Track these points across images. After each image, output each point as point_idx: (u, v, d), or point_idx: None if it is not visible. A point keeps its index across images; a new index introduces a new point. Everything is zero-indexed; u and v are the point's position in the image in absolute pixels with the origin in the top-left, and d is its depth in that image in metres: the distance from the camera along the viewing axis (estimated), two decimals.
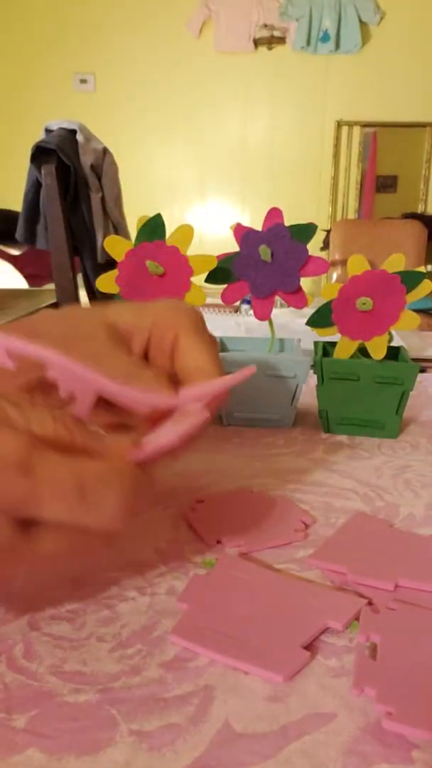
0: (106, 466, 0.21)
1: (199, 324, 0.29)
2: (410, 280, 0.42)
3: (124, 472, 0.21)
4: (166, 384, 0.26)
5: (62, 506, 0.19)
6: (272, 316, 0.46)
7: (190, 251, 0.43)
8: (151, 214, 0.44)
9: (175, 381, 0.28)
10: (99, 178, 1.67)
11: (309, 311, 0.47)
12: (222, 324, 0.85)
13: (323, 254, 3.24)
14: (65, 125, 1.58)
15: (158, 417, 0.25)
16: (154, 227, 0.43)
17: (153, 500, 0.23)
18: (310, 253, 0.44)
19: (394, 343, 0.47)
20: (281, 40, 3.34)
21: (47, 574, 0.22)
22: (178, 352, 0.28)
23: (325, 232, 3.30)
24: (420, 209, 3.52)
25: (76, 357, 0.25)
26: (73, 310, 0.30)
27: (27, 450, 0.19)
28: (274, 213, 0.45)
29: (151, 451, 0.22)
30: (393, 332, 0.73)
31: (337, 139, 3.49)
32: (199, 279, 0.43)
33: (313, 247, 0.50)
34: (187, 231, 0.43)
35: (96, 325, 0.28)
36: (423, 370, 0.64)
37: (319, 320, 0.45)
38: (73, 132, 1.57)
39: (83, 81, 3.48)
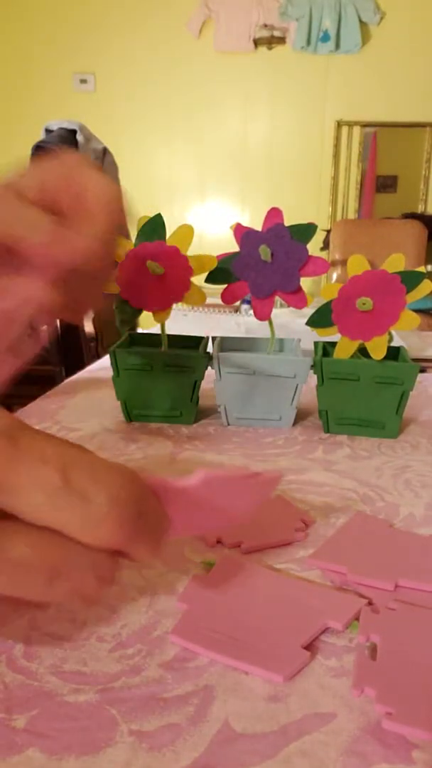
0: (102, 459, 0.18)
1: (89, 161, 0.26)
2: (410, 280, 0.42)
3: (129, 474, 0.18)
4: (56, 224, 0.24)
5: (42, 492, 0.16)
6: (272, 315, 0.46)
7: (190, 251, 0.43)
8: (151, 214, 0.44)
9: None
10: None
11: (309, 311, 0.47)
12: (222, 324, 0.85)
13: (323, 254, 3.24)
14: (65, 125, 1.58)
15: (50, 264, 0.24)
16: (154, 227, 0.43)
17: (167, 527, 0.19)
18: (310, 253, 0.44)
19: (394, 344, 0.47)
20: (281, 40, 3.34)
21: (9, 591, 0.17)
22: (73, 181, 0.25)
23: (325, 232, 3.30)
24: (420, 209, 3.52)
25: None
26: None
27: (15, 425, 0.17)
28: (274, 213, 0.45)
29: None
30: (393, 332, 0.73)
31: (337, 139, 3.49)
32: (199, 279, 0.43)
33: (313, 247, 0.50)
34: (187, 231, 0.43)
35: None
36: (423, 370, 0.64)
37: (319, 320, 0.45)
38: (73, 132, 1.57)
39: (83, 81, 3.48)
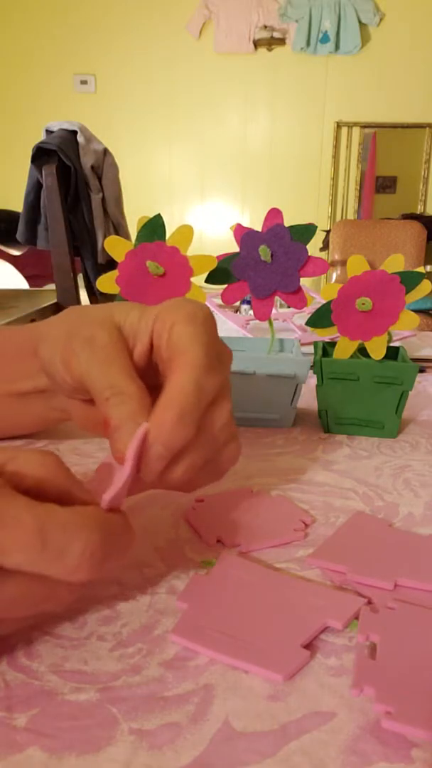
0: (72, 513, 0.20)
1: (198, 315, 0.27)
2: (409, 280, 0.42)
3: (91, 520, 0.20)
4: (147, 401, 0.25)
5: (23, 553, 0.19)
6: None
7: (190, 251, 0.43)
8: (151, 215, 0.44)
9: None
10: (99, 179, 1.68)
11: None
12: (228, 324, 0.85)
13: (323, 254, 3.25)
14: (66, 126, 1.58)
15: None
16: (154, 228, 0.43)
17: (130, 547, 0.22)
18: (309, 254, 0.44)
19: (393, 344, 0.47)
20: (281, 42, 3.35)
21: (8, 619, 0.21)
22: (170, 340, 0.26)
23: (325, 233, 3.30)
24: (419, 210, 3.52)
25: (71, 360, 0.26)
26: (81, 309, 0.29)
27: None
28: (274, 213, 0.45)
29: (111, 503, 0.22)
30: (392, 332, 0.73)
31: (337, 139, 3.50)
32: (199, 279, 0.43)
33: (313, 247, 0.50)
34: (187, 231, 0.43)
35: (98, 325, 0.27)
36: (422, 370, 0.65)
37: (318, 320, 0.45)
38: (74, 133, 1.58)
39: (84, 82, 3.48)
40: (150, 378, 0.27)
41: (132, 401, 0.25)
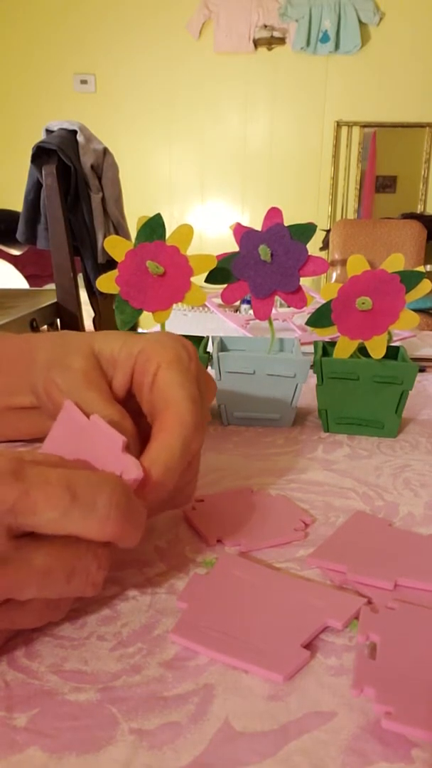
0: (93, 472, 0.21)
1: (184, 359, 0.28)
2: (409, 279, 0.42)
3: (110, 477, 0.21)
4: (127, 424, 0.26)
5: (55, 508, 0.19)
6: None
7: (190, 251, 0.43)
8: (151, 215, 0.44)
9: (145, 415, 0.28)
10: (99, 179, 1.68)
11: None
12: (228, 324, 0.85)
13: (323, 254, 3.25)
14: (66, 126, 1.58)
15: None
16: (154, 227, 0.43)
17: (145, 514, 0.23)
18: (309, 253, 0.44)
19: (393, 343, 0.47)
20: (281, 41, 3.34)
21: (38, 595, 0.20)
22: (156, 385, 0.27)
23: (325, 232, 3.30)
24: (419, 209, 3.52)
25: (51, 389, 0.27)
26: (64, 336, 0.30)
27: (18, 462, 0.20)
28: (274, 213, 0.45)
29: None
30: (392, 332, 0.73)
31: (337, 139, 3.49)
32: (199, 279, 0.43)
33: (313, 247, 0.50)
34: (187, 231, 0.43)
35: (75, 352, 0.28)
36: (422, 370, 0.65)
37: (318, 320, 0.45)
38: (74, 132, 1.57)
39: (84, 82, 3.48)
40: (130, 405, 0.28)
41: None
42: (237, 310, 1.93)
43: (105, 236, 1.64)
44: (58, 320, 1.68)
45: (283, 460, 0.41)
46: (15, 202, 1.89)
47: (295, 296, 0.45)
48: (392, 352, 0.48)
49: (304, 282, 0.45)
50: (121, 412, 0.26)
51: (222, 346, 0.51)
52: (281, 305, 0.99)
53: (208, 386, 0.30)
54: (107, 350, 0.29)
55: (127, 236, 1.75)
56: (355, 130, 3.48)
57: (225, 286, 0.46)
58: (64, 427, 0.25)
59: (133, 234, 0.44)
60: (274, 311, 0.75)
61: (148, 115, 3.51)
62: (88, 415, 0.25)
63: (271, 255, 0.44)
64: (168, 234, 0.43)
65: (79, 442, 0.24)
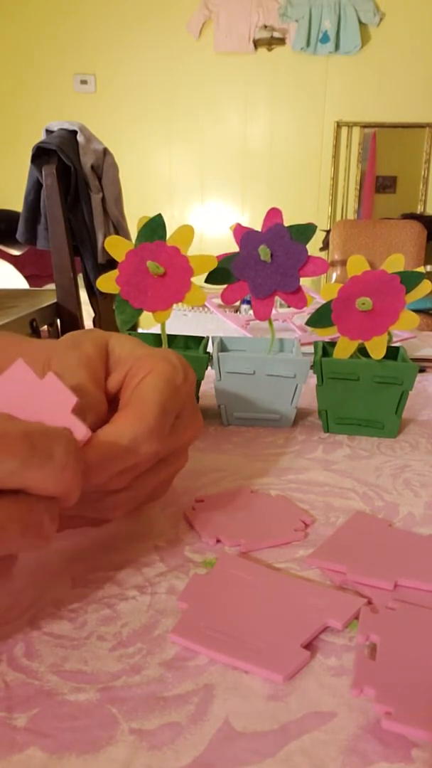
0: (50, 426, 0.21)
1: (177, 378, 0.27)
2: (409, 280, 0.42)
3: (62, 429, 0.22)
4: (102, 409, 0.26)
5: (15, 457, 0.19)
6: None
7: (190, 251, 0.43)
8: (152, 215, 0.44)
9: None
10: (99, 179, 1.68)
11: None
12: (228, 324, 0.85)
13: (323, 254, 3.25)
14: (66, 126, 1.58)
15: None
16: (154, 227, 0.43)
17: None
18: (309, 254, 0.44)
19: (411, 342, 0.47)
20: (281, 41, 3.35)
21: None
22: (138, 386, 0.27)
23: (325, 233, 3.30)
24: (419, 210, 3.52)
25: (51, 359, 0.28)
26: (87, 330, 0.31)
27: None
28: (274, 213, 0.45)
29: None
30: (392, 333, 0.73)
31: (337, 139, 3.50)
32: (199, 279, 0.43)
33: (313, 247, 0.50)
34: (187, 231, 0.43)
35: (90, 338, 0.29)
36: (422, 370, 0.65)
37: (318, 320, 0.45)
38: (74, 133, 1.58)
39: (84, 82, 3.48)
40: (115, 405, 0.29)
41: (89, 404, 0.26)
42: (237, 310, 1.93)
43: (105, 236, 1.64)
44: (58, 320, 1.68)
45: (283, 460, 0.41)
46: (15, 202, 1.89)
47: (295, 296, 0.45)
48: (392, 353, 0.48)
49: (304, 282, 0.45)
50: (99, 395, 0.27)
51: (222, 347, 0.51)
52: (281, 305, 0.99)
53: (193, 420, 0.30)
54: (117, 350, 0.29)
55: (127, 236, 1.75)
56: (355, 130, 3.49)
57: (225, 286, 0.46)
58: (11, 383, 0.24)
59: (134, 234, 0.44)
60: (274, 311, 0.75)
61: (148, 115, 3.51)
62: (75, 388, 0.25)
63: (271, 255, 0.44)
64: (168, 234, 0.43)
65: (27, 399, 0.24)
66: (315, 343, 0.49)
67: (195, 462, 0.40)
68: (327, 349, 0.48)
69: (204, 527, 0.31)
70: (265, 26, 3.31)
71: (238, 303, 1.80)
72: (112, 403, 0.28)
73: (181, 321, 0.92)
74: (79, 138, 1.57)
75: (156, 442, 0.26)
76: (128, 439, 0.25)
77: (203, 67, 3.42)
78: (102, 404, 0.27)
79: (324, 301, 0.45)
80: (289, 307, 0.47)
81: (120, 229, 1.77)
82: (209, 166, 3.59)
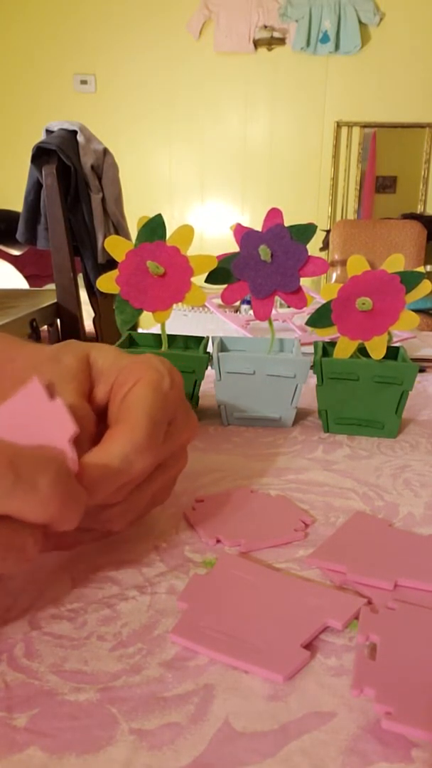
0: (37, 449, 0.21)
1: (164, 384, 0.27)
2: (410, 280, 0.42)
3: (56, 458, 0.21)
4: (90, 425, 0.26)
5: None
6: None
7: (190, 251, 0.43)
8: (152, 215, 0.44)
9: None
10: (99, 179, 1.68)
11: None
12: (228, 324, 0.85)
13: (323, 254, 3.25)
14: (66, 126, 1.58)
15: None
16: (154, 227, 0.43)
17: (84, 495, 0.22)
18: (309, 254, 0.44)
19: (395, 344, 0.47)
20: (281, 41, 3.34)
21: None
22: (126, 398, 0.27)
23: (325, 233, 3.30)
24: (419, 210, 3.52)
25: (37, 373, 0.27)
26: (67, 342, 0.30)
27: None
28: (274, 213, 0.45)
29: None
30: (392, 333, 0.73)
31: (337, 139, 3.49)
32: (199, 279, 0.43)
33: (313, 247, 0.50)
34: (187, 231, 0.43)
35: (71, 352, 0.28)
36: (422, 370, 0.65)
37: (318, 320, 0.45)
38: (74, 133, 1.58)
39: (84, 82, 3.48)
40: (104, 417, 0.28)
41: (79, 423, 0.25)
42: (237, 310, 1.93)
43: (105, 236, 1.64)
44: (58, 320, 1.68)
45: (283, 460, 0.41)
46: (15, 202, 1.89)
47: (295, 296, 0.45)
48: (392, 353, 0.48)
49: (304, 282, 0.45)
50: (87, 410, 0.26)
51: (222, 347, 0.51)
52: (281, 305, 0.99)
53: (187, 422, 0.29)
54: (99, 361, 0.29)
55: (127, 236, 1.75)
56: (355, 130, 3.48)
57: (225, 286, 0.46)
58: (22, 402, 0.24)
59: (134, 234, 0.44)
60: (274, 312, 0.75)
61: (148, 115, 3.51)
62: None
63: (271, 255, 0.44)
64: (168, 234, 0.43)
65: (32, 419, 0.23)
66: (315, 343, 0.49)
67: (195, 462, 0.40)
68: (327, 349, 0.48)
69: (204, 527, 0.31)
70: (265, 26, 3.31)
71: (238, 303, 1.80)
72: (100, 416, 0.28)
73: (181, 321, 0.92)
74: (79, 138, 1.57)
75: (149, 456, 0.25)
76: (119, 459, 0.24)
77: (203, 67, 3.42)
78: (90, 420, 0.27)
79: (324, 301, 0.45)
80: (289, 307, 0.47)
81: (120, 229, 1.77)
82: (209, 166, 3.59)
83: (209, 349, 0.52)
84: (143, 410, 0.25)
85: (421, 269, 0.43)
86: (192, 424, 0.30)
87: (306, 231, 0.44)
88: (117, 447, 0.24)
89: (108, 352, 0.29)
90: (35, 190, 1.56)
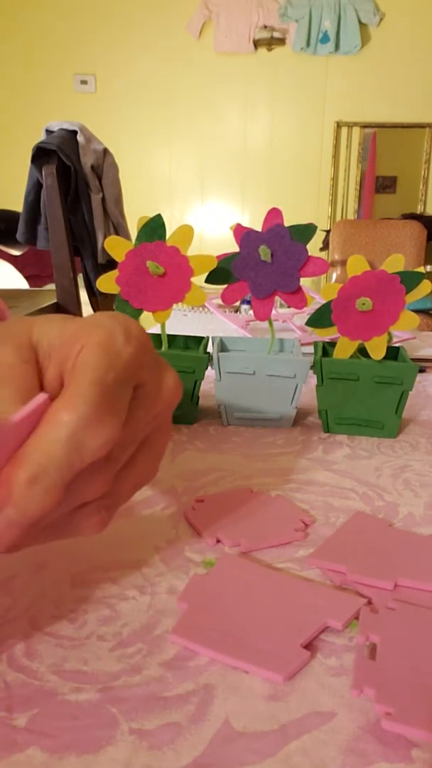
0: None
1: (116, 341, 0.21)
2: (410, 280, 0.42)
3: None
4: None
5: None
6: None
7: (190, 251, 0.43)
8: (152, 215, 0.44)
9: None
10: (99, 179, 1.68)
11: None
12: (228, 324, 0.85)
13: (323, 254, 3.25)
14: (66, 126, 1.58)
15: None
16: (154, 228, 0.43)
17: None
18: (309, 254, 0.44)
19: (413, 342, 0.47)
20: (281, 41, 3.34)
21: None
22: (72, 369, 0.21)
23: (325, 233, 3.30)
24: (419, 210, 3.52)
25: None
26: (7, 324, 0.24)
27: None
28: (274, 213, 0.45)
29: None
30: (392, 333, 0.73)
31: (337, 139, 3.49)
32: (199, 279, 0.43)
33: (313, 247, 0.50)
34: (187, 231, 0.43)
35: (8, 340, 0.23)
36: (422, 370, 0.65)
37: (318, 320, 0.45)
38: (74, 133, 1.58)
39: (84, 82, 3.48)
40: None
41: None
42: (237, 310, 1.92)
43: (105, 236, 1.65)
44: None
45: (283, 460, 0.41)
46: (15, 202, 1.89)
47: (295, 297, 0.45)
48: (392, 353, 0.48)
49: (304, 282, 0.45)
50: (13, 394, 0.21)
51: (222, 347, 0.51)
52: (281, 306, 0.99)
53: (160, 382, 0.24)
54: (45, 340, 0.23)
55: (127, 236, 1.75)
56: (355, 130, 3.48)
57: (225, 286, 0.46)
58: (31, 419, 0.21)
59: (134, 234, 0.44)
60: (274, 312, 0.75)
61: (148, 115, 3.51)
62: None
63: (272, 255, 0.44)
64: (168, 234, 0.43)
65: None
66: (315, 343, 0.49)
67: (195, 462, 0.40)
68: (327, 349, 0.48)
69: (204, 527, 0.31)
70: (265, 26, 3.31)
71: (238, 303, 1.80)
72: None
73: (181, 321, 0.92)
74: (79, 138, 1.57)
75: (105, 429, 0.20)
76: (63, 441, 0.19)
77: (203, 67, 3.42)
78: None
79: (324, 301, 0.45)
80: (289, 307, 0.47)
81: (120, 229, 1.77)
82: (209, 166, 3.59)
83: (209, 349, 0.52)
84: (86, 377, 0.20)
85: (421, 269, 0.43)
86: (169, 383, 0.24)
87: (306, 231, 0.44)
88: (53, 429, 0.20)
89: (51, 326, 0.23)
90: (35, 190, 1.56)
